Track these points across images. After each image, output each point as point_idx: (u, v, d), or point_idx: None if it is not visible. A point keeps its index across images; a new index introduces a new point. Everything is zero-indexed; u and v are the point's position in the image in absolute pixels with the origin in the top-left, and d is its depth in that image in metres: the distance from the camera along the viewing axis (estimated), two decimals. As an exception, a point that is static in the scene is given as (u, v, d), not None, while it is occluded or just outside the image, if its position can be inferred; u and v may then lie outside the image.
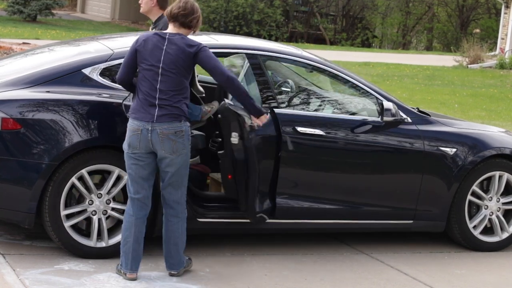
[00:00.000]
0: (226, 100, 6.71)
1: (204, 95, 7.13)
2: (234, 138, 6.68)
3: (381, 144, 7.41)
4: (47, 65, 6.88)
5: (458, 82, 21.85)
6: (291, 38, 34.99)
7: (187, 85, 6.28)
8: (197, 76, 7.17)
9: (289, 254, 7.31)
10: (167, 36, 6.23)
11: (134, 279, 6.35)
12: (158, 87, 6.17)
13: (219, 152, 6.86)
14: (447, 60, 27.65)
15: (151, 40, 6.22)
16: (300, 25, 35.95)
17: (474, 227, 7.83)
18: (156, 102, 6.17)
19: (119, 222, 6.78)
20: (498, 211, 7.91)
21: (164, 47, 6.20)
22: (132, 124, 6.24)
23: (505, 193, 7.94)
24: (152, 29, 8.56)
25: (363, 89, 7.57)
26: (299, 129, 7.10)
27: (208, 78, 7.82)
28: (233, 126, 6.68)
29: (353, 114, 7.54)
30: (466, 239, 7.81)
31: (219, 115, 6.73)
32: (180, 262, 6.49)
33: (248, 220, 6.98)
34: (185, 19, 6.24)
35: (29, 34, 24.96)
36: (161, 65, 6.18)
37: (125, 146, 6.29)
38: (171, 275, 6.49)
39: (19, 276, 6.21)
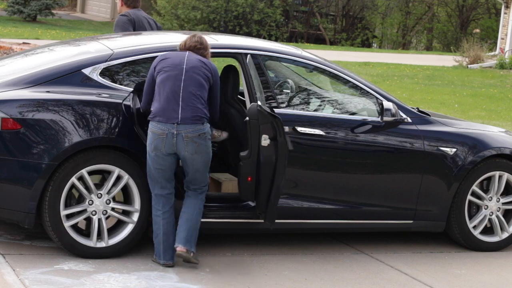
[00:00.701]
0: (257, 103, 6.74)
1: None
2: (265, 140, 6.71)
3: (381, 144, 7.41)
4: (47, 65, 6.88)
5: (458, 82, 21.84)
6: (291, 38, 34.98)
7: (206, 92, 6.58)
8: None
9: (289, 254, 7.31)
10: (186, 51, 6.68)
11: (171, 266, 6.58)
12: (182, 85, 6.49)
13: (241, 154, 6.83)
14: (447, 60, 27.63)
15: (171, 53, 6.68)
16: (300, 25, 35.94)
17: (474, 227, 7.83)
18: (180, 102, 6.47)
19: (119, 222, 6.79)
20: (498, 211, 7.91)
21: (186, 56, 6.62)
22: (156, 128, 6.47)
23: (505, 193, 7.94)
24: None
25: (363, 89, 7.57)
26: (299, 129, 7.10)
27: None
28: (264, 128, 6.70)
29: (353, 114, 7.54)
30: (466, 239, 7.81)
31: (247, 118, 6.73)
32: (191, 240, 6.57)
33: (247, 220, 6.99)
34: (201, 53, 6.69)
35: (29, 34, 24.95)
36: (184, 66, 6.55)
37: (149, 148, 6.51)
38: (179, 253, 6.54)
39: (19, 276, 6.21)
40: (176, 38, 7.72)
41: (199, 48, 6.69)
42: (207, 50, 6.73)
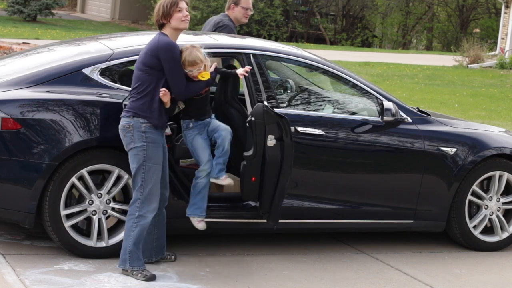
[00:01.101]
0: (264, 103, 6.73)
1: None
2: (271, 141, 6.70)
3: (381, 144, 7.40)
4: (47, 65, 6.88)
5: (458, 82, 21.84)
6: (291, 38, 34.97)
7: None
8: None
9: (289, 254, 7.31)
10: None
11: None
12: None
13: (245, 153, 6.82)
14: (447, 60, 27.63)
15: None
16: (300, 25, 35.94)
17: (474, 227, 7.83)
18: None
19: (119, 222, 6.79)
20: (498, 210, 7.91)
21: None
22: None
23: (505, 193, 7.93)
24: None
25: (363, 89, 7.57)
26: (299, 129, 7.10)
27: None
28: (270, 128, 6.69)
29: (354, 114, 7.54)
30: (466, 239, 7.81)
31: (252, 118, 6.73)
32: (122, 260, 6.40)
33: (248, 220, 6.99)
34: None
35: (29, 34, 24.95)
36: None
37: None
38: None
39: (19, 276, 6.21)
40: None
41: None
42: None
